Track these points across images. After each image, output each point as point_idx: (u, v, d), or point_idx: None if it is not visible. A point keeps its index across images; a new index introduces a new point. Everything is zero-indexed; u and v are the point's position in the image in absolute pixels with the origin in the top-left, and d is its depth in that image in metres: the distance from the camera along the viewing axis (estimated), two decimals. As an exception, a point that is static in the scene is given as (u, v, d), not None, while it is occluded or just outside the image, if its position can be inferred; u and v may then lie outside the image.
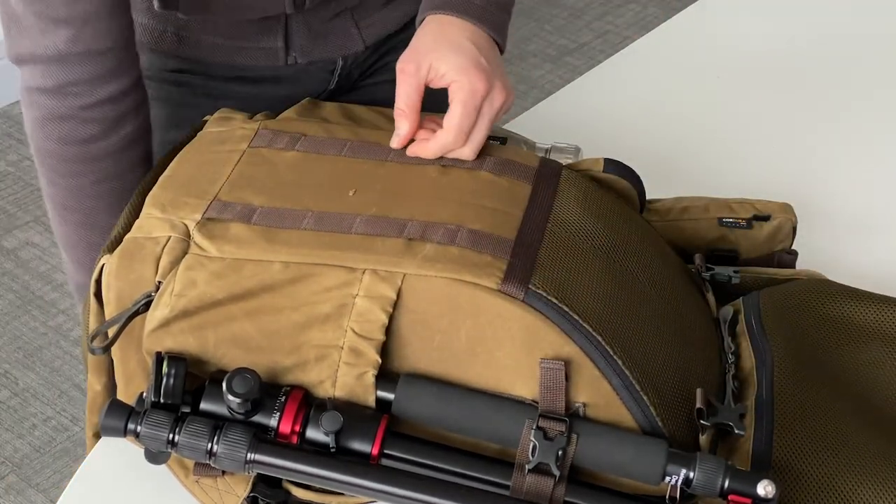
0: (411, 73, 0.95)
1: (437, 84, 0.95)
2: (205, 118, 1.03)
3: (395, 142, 0.95)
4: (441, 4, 0.99)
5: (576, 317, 0.83)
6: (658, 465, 0.80)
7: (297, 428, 0.82)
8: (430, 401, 0.83)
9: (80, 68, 0.99)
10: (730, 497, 0.79)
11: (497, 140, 1.02)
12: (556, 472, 0.80)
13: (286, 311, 0.83)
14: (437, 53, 0.95)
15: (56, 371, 2.21)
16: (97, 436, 0.92)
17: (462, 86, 0.93)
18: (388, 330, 0.83)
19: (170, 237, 0.87)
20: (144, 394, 0.83)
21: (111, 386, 0.91)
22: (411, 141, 0.95)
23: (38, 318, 2.32)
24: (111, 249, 0.88)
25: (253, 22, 1.12)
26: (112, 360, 0.90)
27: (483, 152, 0.96)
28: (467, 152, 0.94)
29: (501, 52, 1.00)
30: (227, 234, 0.87)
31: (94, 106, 1.01)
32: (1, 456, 2.05)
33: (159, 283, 0.86)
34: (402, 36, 1.21)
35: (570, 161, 1.02)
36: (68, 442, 2.08)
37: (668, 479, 0.80)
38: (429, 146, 0.94)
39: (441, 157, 0.95)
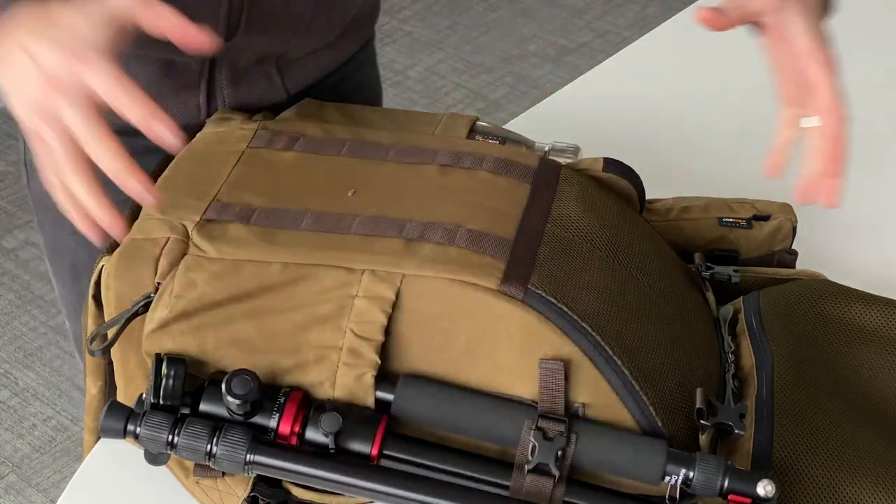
0: None
1: (773, 26, 0.91)
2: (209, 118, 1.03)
3: (705, 15, 0.88)
4: None
5: (575, 317, 0.83)
6: (658, 465, 0.80)
7: (297, 429, 0.82)
8: (429, 401, 0.83)
9: None
10: (730, 497, 0.79)
11: (496, 140, 1.02)
12: (556, 473, 0.80)
13: (285, 311, 0.83)
14: (797, 6, 0.90)
15: (56, 371, 2.21)
16: (95, 438, 0.92)
17: (826, 60, 0.88)
18: (388, 331, 0.83)
19: (169, 238, 0.87)
20: (144, 395, 0.83)
21: (108, 389, 0.91)
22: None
23: (38, 318, 2.32)
24: (110, 251, 0.88)
25: (175, 75, 1.04)
26: (109, 363, 0.90)
27: (482, 152, 0.96)
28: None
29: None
30: (226, 235, 0.87)
31: None
32: (1, 456, 2.05)
33: (158, 284, 0.86)
34: (324, 85, 1.15)
35: (569, 161, 1.02)
36: (68, 442, 2.08)
37: (667, 478, 0.80)
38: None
39: (439, 157, 0.95)
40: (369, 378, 0.82)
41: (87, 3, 0.79)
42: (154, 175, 0.95)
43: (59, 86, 0.76)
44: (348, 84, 1.20)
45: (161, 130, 0.77)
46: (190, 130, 1.00)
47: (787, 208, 1.05)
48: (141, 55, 1.02)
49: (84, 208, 0.79)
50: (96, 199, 0.78)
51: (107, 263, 0.88)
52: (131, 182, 0.77)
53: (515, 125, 1.25)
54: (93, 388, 0.92)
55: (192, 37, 0.80)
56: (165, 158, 0.98)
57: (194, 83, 1.06)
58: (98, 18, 0.78)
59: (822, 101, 0.89)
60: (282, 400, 0.82)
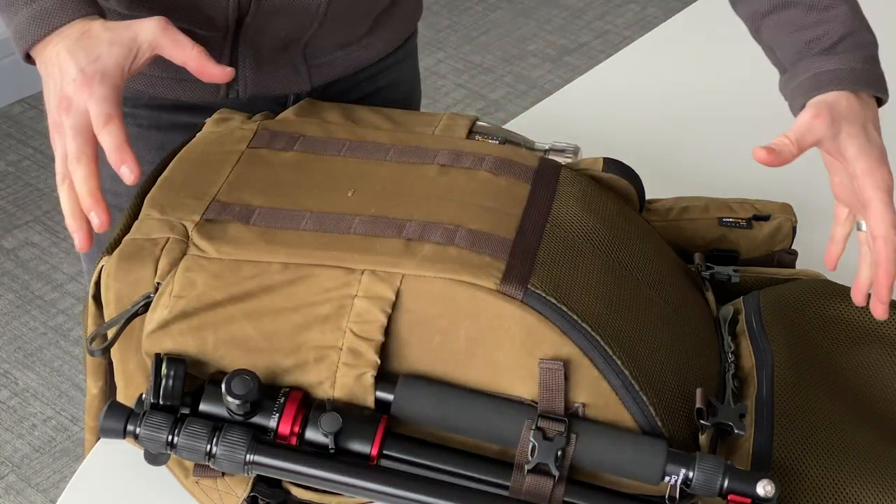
0: (822, 123, 0.89)
1: (831, 152, 0.91)
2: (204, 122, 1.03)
3: (761, 154, 0.87)
4: (821, 85, 0.93)
5: (575, 317, 0.82)
6: (657, 465, 0.80)
7: (297, 429, 0.82)
8: (429, 401, 0.83)
9: None
10: (729, 497, 0.79)
11: (496, 140, 1.01)
12: (556, 473, 0.80)
13: (285, 311, 0.83)
14: (849, 129, 0.90)
15: (56, 371, 2.21)
16: (95, 438, 0.92)
17: (879, 185, 0.89)
18: (387, 331, 0.83)
19: (168, 238, 0.87)
20: (144, 395, 0.83)
21: (108, 389, 0.91)
22: None
23: (38, 318, 2.32)
24: (110, 251, 0.88)
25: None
26: (110, 363, 0.90)
27: (482, 152, 0.96)
28: None
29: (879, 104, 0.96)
30: (226, 235, 0.87)
31: None
32: (1, 456, 2.05)
33: (158, 284, 0.86)
34: (351, 82, 1.16)
35: (569, 161, 1.02)
36: (68, 442, 2.08)
37: (667, 478, 0.80)
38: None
39: (439, 157, 0.95)
40: (369, 378, 0.82)
41: (120, 30, 0.88)
42: (154, 175, 0.95)
43: (66, 105, 0.85)
44: (384, 80, 1.20)
45: (124, 170, 0.83)
46: (209, 110, 1.02)
47: (787, 208, 1.05)
48: None
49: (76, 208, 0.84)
50: (90, 193, 0.83)
51: (106, 263, 0.88)
52: (89, 206, 0.83)
53: (515, 125, 1.25)
54: (93, 388, 0.92)
55: (210, 69, 0.89)
56: (165, 158, 0.98)
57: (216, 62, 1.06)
58: (123, 47, 0.87)
59: (876, 227, 0.89)
60: (281, 400, 0.82)
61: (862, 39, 0.96)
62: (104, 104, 0.84)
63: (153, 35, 0.88)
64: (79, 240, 0.84)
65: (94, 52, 0.86)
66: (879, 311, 0.90)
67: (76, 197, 0.83)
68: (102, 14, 0.90)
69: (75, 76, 0.85)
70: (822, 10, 0.95)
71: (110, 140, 0.83)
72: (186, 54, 0.89)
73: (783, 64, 0.98)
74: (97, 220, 0.83)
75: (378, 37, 1.15)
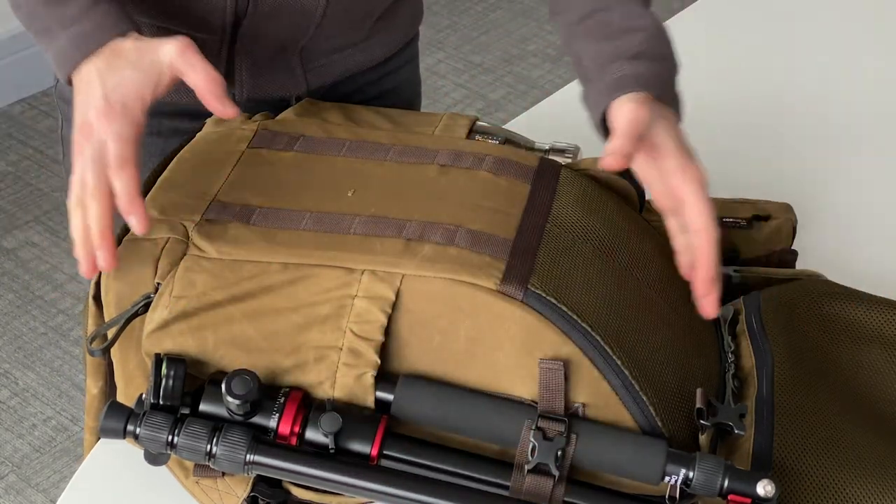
0: (645, 112, 0.89)
1: (648, 148, 0.90)
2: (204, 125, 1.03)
3: (609, 161, 0.87)
4: (629, 85, 0.91)
5: (574, 317, 0.82)
6: (657, 465, 0.80)
7: (297, 429, 0.82)
8: (429, 401, 0.83)
9: None
10: (729, 497, 0.79)
11: (496, 140, 1.01)
12: (556, 473, 0.80)
13: (285, 312, 0.83)
14: (667, 123, 0.91)
15: (56, 371, 2.21)
16: (96, 438, 0.92)
17: (693, 178, 0.89)
18: (388, 331, 0.83)
19: (168, 238, 0.87)
20: (143, 395, 0.83)
21: (108, 389, 0.91)
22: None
23: (38, 318, 2.32)
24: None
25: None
26: (110, 364, 0.90)
27: (482, 152, 0.96)
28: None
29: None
30: (226, 235, 0.87)
31: None
32: (1, 456, 2.05)
33: (158, 284, 0.86)
34: (352, 86, 1.16)
35: (569, 161, 1.02)
36: (68, 442, 2.08)
37: (667, 478, 0.80)
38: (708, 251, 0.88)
39: (439, 157, 0.95)
40: (369, 378, 0.82)
41: (145, 51, 0.89)
42: (154, 175, 0.95)
43: (88, 132, 0.86)
44: (386, 85, 1.20)
45: (132, 220, 0.84)
46: (210, 115, 1.01)
47: (787, 208, 1.05)
48: (160, 27, 1.04)
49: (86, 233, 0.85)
50: (101, 224, 0.84)
51: (107, 264, 0.88)
52: (98, 245, 0.84)
53: (515, 125, 1.25)
54: (93, 388, 0.92)
55: (213, 102, 0.89)
56: (166, 159, 0.98)
57: (212, 64, 1.06)
58: (144, 72, 0.88)
59: (693, 220, 0.88)
60: (281, 400, 0.82)
61: (667, 52, 0.96)
62: (121, 144, 0.85)
63: (171, 57, 0.88)
64: (84, 268, 0.85)
65: (118, 75, 0.87)
66: (707, 310, 0.89)
67: (88, 226, 0.84)
68: (137, 29, 0.91)
69: (99, 102, 0.86)
70: (636, 17, 0.95)
71: (122, 187, 0.84)
72: (198, 78, 0.88)
73: (588, 72, 0.96)
74: (102, 261, 0.84)
75: (377, 40, 1.15)
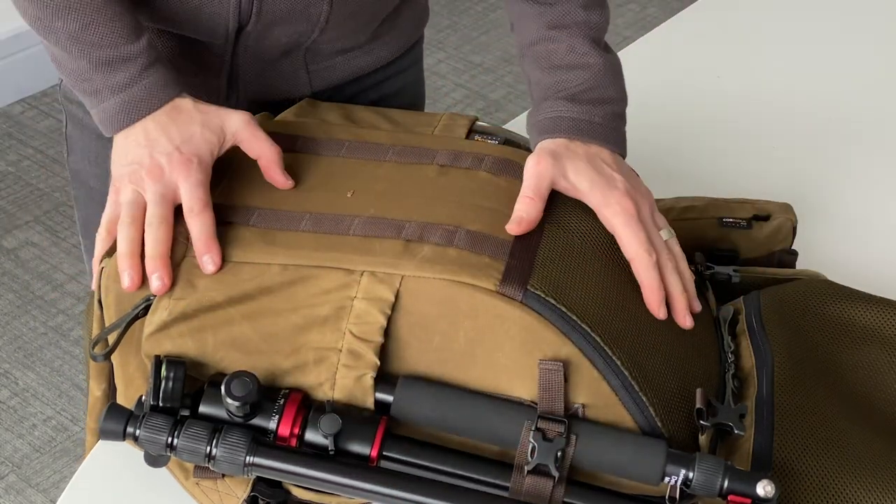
0: (546, 166, 0.91)
1: (569, 191, 0.92)
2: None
3: (514, 227, 0.88)
4: (557, 129, 0.95)
5: (574, 317, 0.82)
6: (657, 466, 0.80)
7: (296, 430, 0.82)
8: (429, 403, 0.83)
9: None
10: (729, 497, 0.79)
11: (496, 140, 1.01)
12: (556, 474, 0.80)
13: (285, 313, 0.83)
14: (574, 164, 0.92)
15: (56, 371, 2.21)
16: (97, 439, 0.92)
17: (616, 211, 0.90)
18: (387, 332, 0.83)
19: (168, 239, 0.87)
20: (143, 397, 0.83)
21: (111, 392, 0.91)
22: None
23: (38, 318, 2.32)
24: (110, 253, 0.88)
25: (196, 56, 1.07)
26: (112, 366, 0.90)
27: (482, 152, 0.96)
28: (673, 259, 0.91)
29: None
30: (226, 237, 0.87)
31: None
32: (1, 456, 2.05)
33: (158, 285, 0.86)
34: (356, 88, 1.16)
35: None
36: (68, 442, 2.08)
37: (667, 479, 0.80)
38: (657, 289, 0.88)
39: (439, 157, 0.95)
40: (369, 379, 0.82)
41: (210, 115, 0.93)
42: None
43: (158, 174, 0.89)
44: (388, 88, 1.20)
45: (206, 259, 0.86)
46: None
47: (787, 208, 1.05)
48: (163, 30, 1.04)
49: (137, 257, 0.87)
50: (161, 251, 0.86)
51: (107, 266, 0.88)
52: (155, 267, 0.85)
53: (515, 125, 1.25)
54: (96, 390, 0.92)
55: (275, 175, 0.93)
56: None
57: (215, 65, 1.06)
58: (214, 133, 0.93)
59: (626, 250, 0.89)
60: (281, 401, 0.82)
61: (609, 95, 0.98)
62: (200, 190, 0.89)
63: (238, 128, 0.93)
64: (131, 282, 0.86)
65: (187, 132, 0.91)
66: (684, 321, 0.90)
67: (139, 241, 0.87)
68: (184, 90, 0.94)
69: (170, 151, 0.90)
70: (580, 55, 0.98)
71: (202, 228, 0.87)
72: (262, 150, 0.93)
73: (532, 98, 1.00)
74: (158, 283, 0.85)
75: (381, 43, 1.15)
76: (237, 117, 0.94)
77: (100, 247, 0.91)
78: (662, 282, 0.89)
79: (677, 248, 0.93)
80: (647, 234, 0.90)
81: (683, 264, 0.93)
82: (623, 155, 0.97)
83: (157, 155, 0.90)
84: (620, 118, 0.99)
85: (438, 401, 0.83)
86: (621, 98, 0.99)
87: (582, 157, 0.93)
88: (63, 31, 0.93)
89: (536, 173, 0.91)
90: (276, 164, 0.93)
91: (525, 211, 0.88)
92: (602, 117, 0.96)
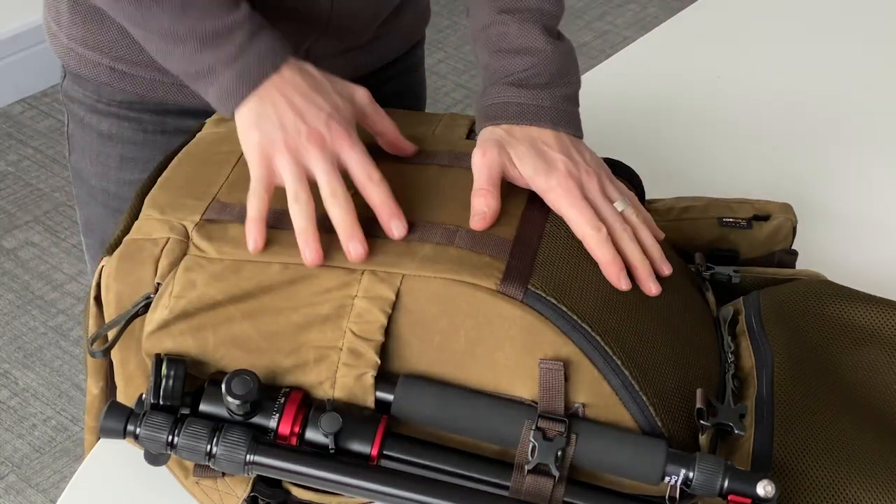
0: (493, 156, 0.91)
1: (517, 179, 0.92)
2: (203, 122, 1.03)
3: (478, 223, 0.88)
4: (502, 115, 0.95)
5: (575, 317, 0.83)
6: (657, 465, 0.80)
7: (297, 429, 0.82)
8: (429, 402, 0.83)
9: None
10: (729, 497, 0.79)
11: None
12: (556, 473, 0.80)
13: (285, 312, 0.83)
14: (516, 151, 0.92)
15: (56, 371, 2.21)
16: (96, 438, 0.92)
17: (559, 194, 0.90)
18: (388, 331, 0.83)
19: (168, 238, 0.87)
20: (144, 395, 0.83)
21: (109, 389, 0.91)
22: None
23: (38, 318, 2.32)
24: (110, 251, 0.88)
25: None
26: (111, 364, 0.90)
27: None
28: (629, 229, 0.91)
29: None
30: (226, 236, 0.87)
31: None
32: (1, 456, 2.05)
33: (158, 284, 0.86)
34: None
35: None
36: (68, 442, 2.08)
37: (667, 479, 0.80)
38: (618, 267, 0.88)
39: (439, 157, 0.95)
40: (369, 378, 0.82)
41: (339, 85, 0.93)
42: (154, 175, 0.95)
43: (321, 141, 0.88)
44: (390, 89, 1.20)
45: (395, 222, 0.86)
46: (210, 112, 1.02)
47: (787, 208, 1.05)
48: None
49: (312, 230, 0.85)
50: (351, 221, 0.85)
51: (107, 264, 0.88)
52: (352, 241, 0.84)
53: (515, 125, 1.25)
54: (94, 388, 0.92)
55: (401, 144, 0.95)
56: (165, 159, 0.98)
57: None
58: (351, 103, 0.92)
59: (576, 231, 0.89)
60: (281, 400, 0.82)
61: (557, 79, 0.97)
62: (369, 158, 0.89)
63: (364, 102, 0.94)
64: (313, 256, 0.84)
65: (330, 101, 0.91)
66: (649, 289, 0.90)
67: (312, 217, 0.85)
68: (295, 51, 0.94)
69: (325, 119, 0.89)
70: (529, 40, 0.97)
71: (381, 194, 0.87)
72: (386, 126, 0.94)
73: (482, 81, 1.00)
74: (356, 252, 0.84)
75: (382, 42, 1.15)
76: (362, 92, 0.94)
77: (257, 207, 0.87)
78: (621, 253, 0.89)
79: (634, 217, 0.92)
80: (593, 211, 0.89)
81: (643, 232, 0.92)
82: (578, 136, 0.97)
83: (314, 122, 0.89)
84: (570, 100, 0.98)
85: (439, 400, 0.83)
86: (572, 82, 0.98)
87: (524, 142, 0.92)
88: (165, 14, 0.92)
89: (485, 164, 0.91)
90: (398, 137, 0.94)
91: (485, 204, 0.88)
92: (551, 100, 0.95)
